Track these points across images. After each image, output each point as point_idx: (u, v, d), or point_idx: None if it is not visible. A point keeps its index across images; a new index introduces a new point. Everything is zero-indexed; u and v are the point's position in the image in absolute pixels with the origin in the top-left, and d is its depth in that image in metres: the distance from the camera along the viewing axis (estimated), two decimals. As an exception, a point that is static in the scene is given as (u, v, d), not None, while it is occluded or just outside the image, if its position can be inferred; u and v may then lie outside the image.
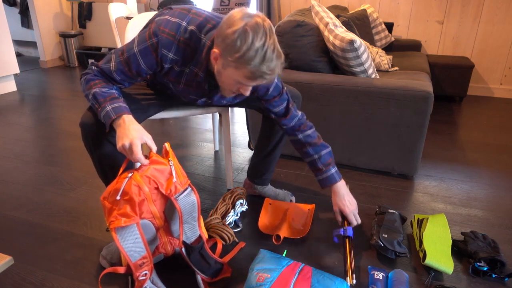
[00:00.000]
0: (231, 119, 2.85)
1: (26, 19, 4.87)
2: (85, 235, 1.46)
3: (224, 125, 1.72)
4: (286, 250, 1.39)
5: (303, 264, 1.20)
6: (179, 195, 1.11)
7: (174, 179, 1.09)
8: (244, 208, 1.60)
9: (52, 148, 2.27)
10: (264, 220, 1.54)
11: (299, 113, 1.39)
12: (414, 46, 3.44)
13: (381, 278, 1.21)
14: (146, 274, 1.09)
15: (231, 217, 1.52)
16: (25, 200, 1.70)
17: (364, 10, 3.12)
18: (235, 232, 1.49)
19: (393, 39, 3.44)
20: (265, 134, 1.55)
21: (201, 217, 1.28)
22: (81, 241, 1.42)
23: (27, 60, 4.95)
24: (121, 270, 1.13)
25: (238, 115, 2.93)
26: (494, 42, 3.41)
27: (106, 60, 1.16)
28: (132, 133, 1.04)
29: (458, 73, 3.21)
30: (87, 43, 4.81)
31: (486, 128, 2.70)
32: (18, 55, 5.27)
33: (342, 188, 1.39)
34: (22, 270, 1.27)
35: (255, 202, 1.69)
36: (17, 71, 3.47)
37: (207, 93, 1.27)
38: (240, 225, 1.53)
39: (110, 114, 1.07)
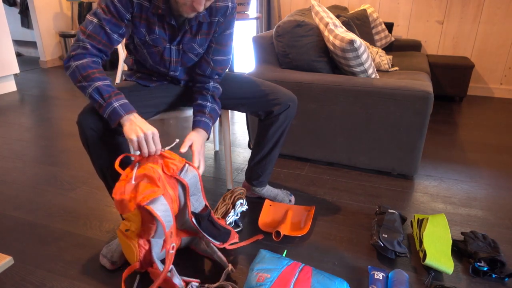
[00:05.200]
0: (231, 119, 2.85)
1: (26, 19, 4.87)
2: (85, 235, 1.46)
3: (224, 125, 1.73)
4: (286, 250, 1.39)
5: (303, 264, 1.20)
6: (180, 172, 1.17)
7: (170, 161, 1.16)
8: (244, 208, 1.60)
9: (52, 148, 2.27)
10: (264, 219, 1.54)
11: (218, 82, 1.46)
12: (414, 46, 3.44)
13: (381, 278, 1.21)
14: (174, 246, 1.14)
15: (232, 217, 1.52)
16: (25, 200, 1.70)
17: (364, 10, 3.12)
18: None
19: (393, 39, 3.44)
20: (261, 137, 1.55)
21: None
22: (81, 241, 1.42)
23: (27, 60, 4.95)
24: (136, 265, 1.16)
25: (238, 115, 2.94)
26: (494, 42, 3.41)
27: (88, 24, 1.16)
28: (147, 126, 1.12)
29: (458, 73, 3.21)
30: (87, 43, 4.80)
31: (486, 128, 2.70)
32: (18, 55, 5.28)
33: (204, 137, 1.36)
34: (22, 270, 1.27)
35: (255, 202, 1.69)
36: (17, 71, 3.47)
37: (177, 32, 1.29)
38: (241, 225, 1.53)
39: (119, 111, 1.10)
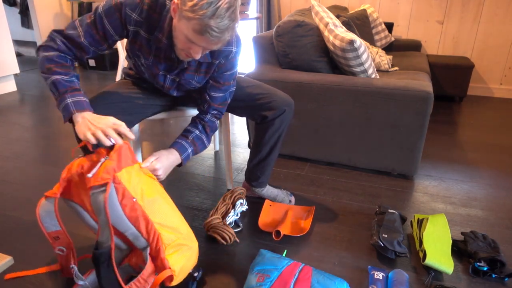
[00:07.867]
0: (231, 119, 2.85)
1: (26, 19, 4.87)
2: (85, 235, 1.46)
3: (224, 125, 1.73)
4: (286, 250, 1.39)
5: (303, 264, 1.20)
6: (95, 189, 0.98)
7: (89, 175, 0.98)
8: (244, 208, 1.60)
9: (52, 148, 2.27)
10: (264, 219, 1.54)
11: (222, 111, 1.43)
12: (414, 46, 3.44)
13: (381, 278, 1.21)
14: (63, 250, 1.15)
15: (232, 217, 1.52)
16: (25, 200, 1.70)
17: (364, 10, 3.13)
18: (235, 232, 1.49)
19: (393, 39, 3.44)
20: (258, 140, 1.54)
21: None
22: (81, 241, 1.42)
23: (27, 60, 4.95)
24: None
25: (238, 115, 2.93)
26: (494, 42, 3.41)
27: (71, 27, 1.15)
28: (99, 120, 1.04)
29: (458, 73, 3.21)
30: (87, 43, 4.80)
31: (486, 128, 2.70)
32: (18, 55, 5.27)
33: (174, 159, 1.27)
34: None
35: (255, 202, 1.69)
36: (17, 71, 3.47)
37: (176, 65, 1.25)
38: (241, 225, 1.53)
39: (70, 108, 1.05)
